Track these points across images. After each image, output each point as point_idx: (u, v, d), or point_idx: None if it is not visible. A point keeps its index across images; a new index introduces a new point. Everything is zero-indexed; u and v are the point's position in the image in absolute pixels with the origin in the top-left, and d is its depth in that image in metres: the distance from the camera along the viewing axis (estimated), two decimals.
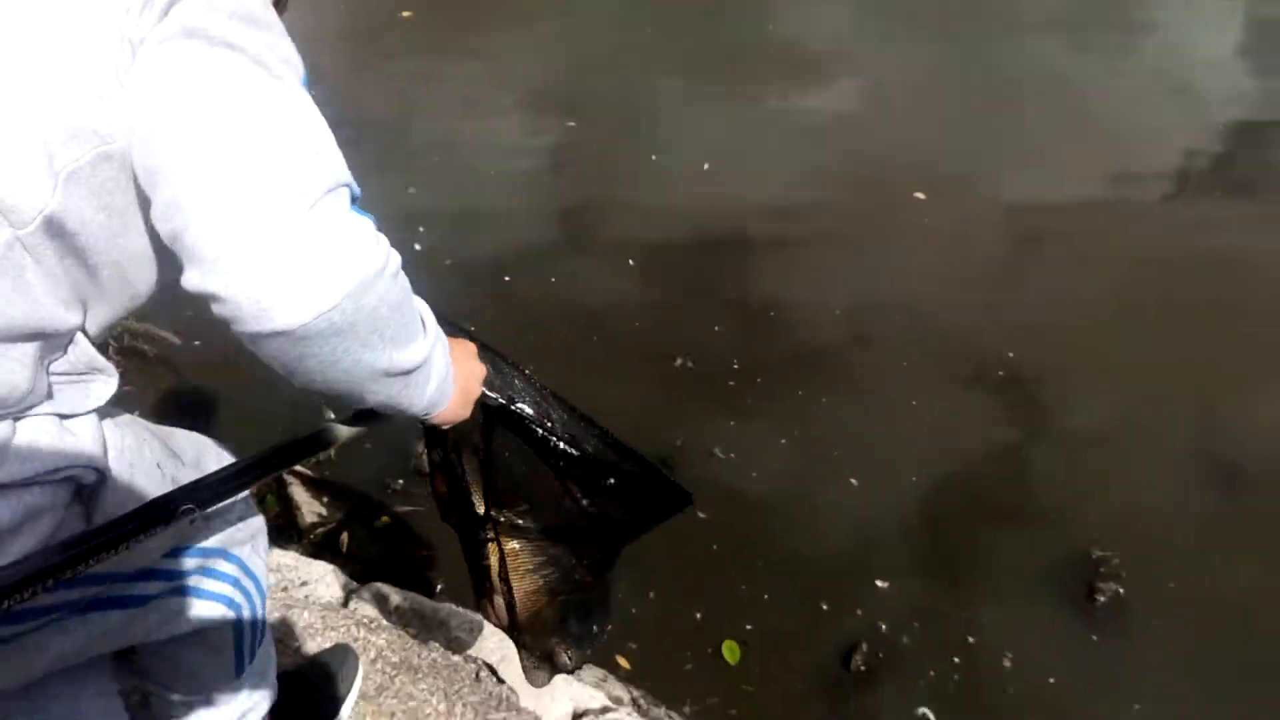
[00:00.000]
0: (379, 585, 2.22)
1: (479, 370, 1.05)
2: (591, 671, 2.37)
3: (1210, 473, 2.90)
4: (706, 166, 4.25)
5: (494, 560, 1.23)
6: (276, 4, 0.83)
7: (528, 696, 1.85)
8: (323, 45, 4.88)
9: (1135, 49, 5.45)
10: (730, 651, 2.41)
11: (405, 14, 5.53)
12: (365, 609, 1.95)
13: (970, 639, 2.42)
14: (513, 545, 1.22)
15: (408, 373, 0.84)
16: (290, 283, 0.70)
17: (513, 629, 1.29)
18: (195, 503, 0.83)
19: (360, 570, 2.40)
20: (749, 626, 2.46)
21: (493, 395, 1.09)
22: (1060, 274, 3.69)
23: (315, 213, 0.72)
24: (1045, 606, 2.51)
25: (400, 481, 2.82)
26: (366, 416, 0.99)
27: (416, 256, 3.43)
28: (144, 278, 0.84)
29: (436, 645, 1.74)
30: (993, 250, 3.81)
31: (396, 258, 0.79)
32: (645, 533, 1.26)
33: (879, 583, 2.55)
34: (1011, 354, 3.26)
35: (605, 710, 2.06)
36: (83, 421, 0.84)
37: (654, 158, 4.33)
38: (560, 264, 3.70)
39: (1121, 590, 2.52)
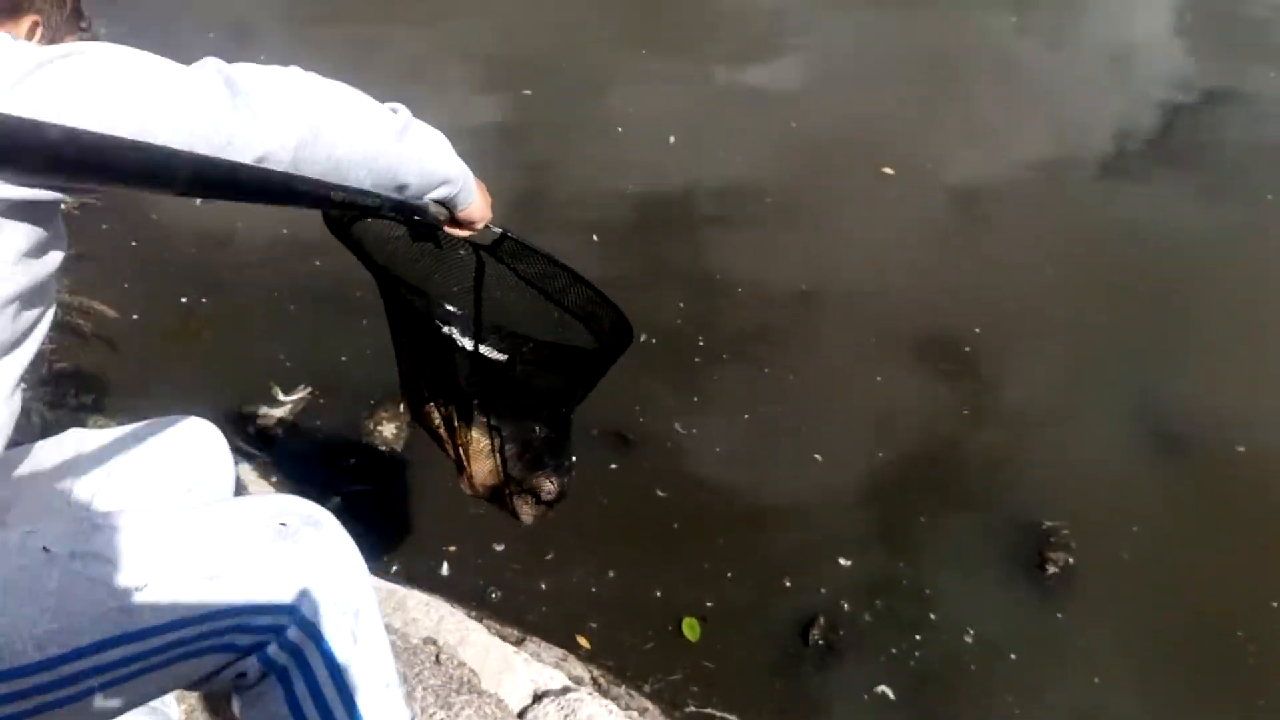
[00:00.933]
0: None
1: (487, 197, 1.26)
2: (551, 651, 2.32)
3: (1154, 443, 2.94)
4: (672, 140, 4.18)
5: (482, 426, 1.44)
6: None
7: (488, 678, 1.80)
8: (262, 6, 4.70)
9: (1078, 27, 5.50)
10: (691, 629, 2.39)
11: None
12: None
13: (931, 615, 2.42)
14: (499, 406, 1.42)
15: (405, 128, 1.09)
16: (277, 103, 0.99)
17: (505, 479, 1.47)
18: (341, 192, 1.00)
19: None
20: (710, 604, 2.43)
21: (495, 227, 1.31)
22: (1007, 250, 3.71)
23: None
24: (1003, 581, 2.52)
25: (352, 460, 2.74)
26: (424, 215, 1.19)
27: None
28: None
29: (394, 627, 1.67)
30: (941, 226, 3.82)
31: None
32: (600, 375, 1.44)
33: (842, 560, 2.54)
34: (961, 329, 3.26)
35: (566, 690, 2.01)
36: None
37: (619, 130, 4.24)
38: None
39: (1071, 560, 2.54)
